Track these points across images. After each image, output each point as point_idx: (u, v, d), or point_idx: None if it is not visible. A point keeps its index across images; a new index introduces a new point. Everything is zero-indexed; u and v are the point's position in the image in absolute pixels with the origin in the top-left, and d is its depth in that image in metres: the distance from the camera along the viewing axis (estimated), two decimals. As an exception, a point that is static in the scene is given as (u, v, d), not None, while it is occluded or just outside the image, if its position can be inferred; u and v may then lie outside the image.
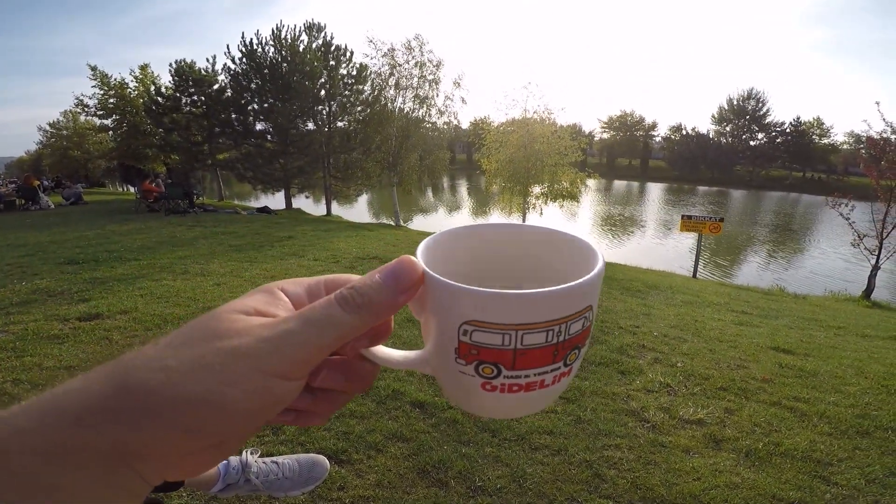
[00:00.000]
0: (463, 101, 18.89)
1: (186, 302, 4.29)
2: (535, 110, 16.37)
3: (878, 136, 11.62)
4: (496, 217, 21.90)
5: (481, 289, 0.28)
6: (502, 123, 17.30)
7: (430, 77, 18.39)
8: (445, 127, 19.90)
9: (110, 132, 26.91)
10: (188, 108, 23.01)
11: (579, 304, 0.29)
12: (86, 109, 25.47)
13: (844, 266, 17.54)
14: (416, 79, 18.34)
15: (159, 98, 22.98)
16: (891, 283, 15.02)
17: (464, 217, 29.31)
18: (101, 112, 25.11)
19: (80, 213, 13.68)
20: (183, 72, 22.46)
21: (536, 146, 15.70)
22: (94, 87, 24.58)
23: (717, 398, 3.01)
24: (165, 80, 24.40)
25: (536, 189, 16.67)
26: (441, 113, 19.09)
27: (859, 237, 11.26)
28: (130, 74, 25.39)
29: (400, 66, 18.26)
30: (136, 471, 0.25)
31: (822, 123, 70.72)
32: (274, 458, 1.78)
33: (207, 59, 23.34)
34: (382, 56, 18.31)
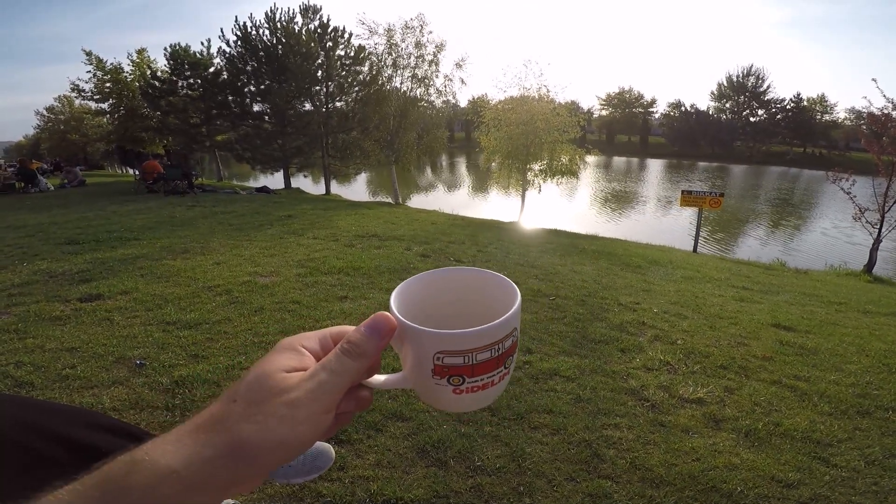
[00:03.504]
0: (463, 81, 18.67)
1: (187, 281, 4.28)
2: (535, 88, 16.18)
3: (880, 112, 11.56)
4: (495, 195, 21.83)
5: (448, 331, 0.42)
6: (501, 101, 17.11)
7: (430, 58, 18.13)
8: (444, 106, 19.68)
9: (107, 116, 26.68)
10: (184, 92, 22.88)
11: (508, 329, 0.43)
12: (81, 94, 25.21)
13: (845, 240, 17.51)
14: (413, 58, 18.05)
15: (155, 82, 22.77)
16: (892, 259, 15.01)
17: (463, 195, 29.12)
18: (98, 96, 24.86)
19: (79, 194, 13.61)
20: (178, 55, 22.33)
21: (535, 123, 15.54)
22: (89, 71, 24.26)
23: (717, 376, 3.01)
24: (161, 64, 24.23)
25: (535, 166, 16.57)
26: (440, 93, 18.88)
27: (861, 211, 11.31)
28: (127, 58, 25.17)
29: (398, 45, 17.95)
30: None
31: (826, 100, 70.60)
32: None
33: (202, 43, 23.31)
34: (379, 36, 17.99)
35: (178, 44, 22.68)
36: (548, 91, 16.25)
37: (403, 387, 0.47)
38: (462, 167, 47.57)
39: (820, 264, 12.39)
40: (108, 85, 24.60)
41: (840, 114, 69.07)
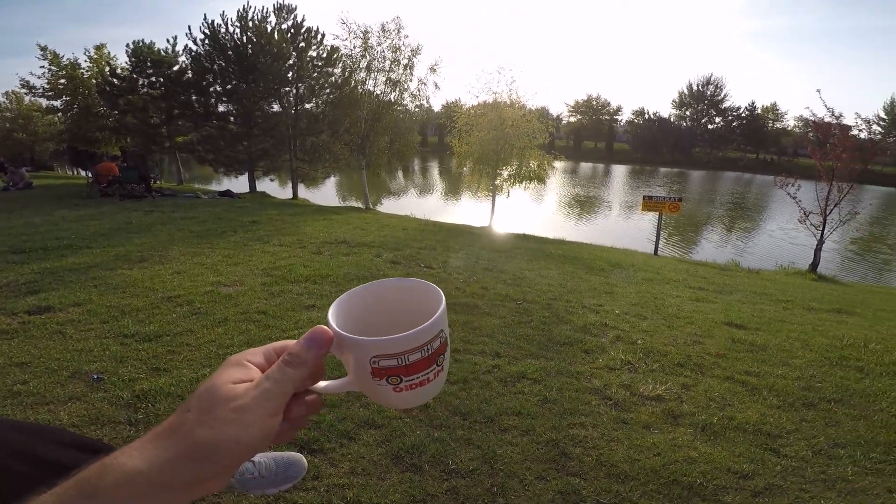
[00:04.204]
0: (437, 86, 18.70)
1: (145, 292, 4.12)
2: (506, 94, 16.47)
3: (820, 120, 12.39)
4: (467, 200, 21.96)
5: (380, 338, 0.46)
6: (474, 106, 17.33)
7: (405, 61, 18.13)
8: (417, 110, 19.70)
9: (59, 114, 25.44)
10: (145, 90, 22.03)
11: (434, 331, 0.48)
12: (32, 90, 23.95)
13: (790, 241, 18.46)
14: (388, 62, 18.02)
15: (114, 79, 21.88)
16: (834, 259, 15.93)
17: (435, 199, 29.15)
18: (51, 93, 23.65)
19: (25, 198, 12.90)
20: (140, 52, 21.53)
21: (506, 129, 15.80)
22: (42, 67, 23.08)
23: (674, 374, 3.15)
24: (122, 60, 23.30)
25: (505, 171, 16.83)
26: (414, 97, 18.89)
27: (805, 214, 12.03)
28: (84, 54, 24.03)
29: (373, 48, 17.88)
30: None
31: (777, 109, 74.83)
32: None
33: (168, 40, 22.46)
34: (356, 38, 17.87)
35: (142, 40, 21.89)
36: (518, 97, 16.58)
37: (350, 390, 0.51)
38: (434, 171, 47.63)
39: (771, 264, 13.07)
40: (62, 81, 23.48)
41: (790, 122, 73.45)
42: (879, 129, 62.31)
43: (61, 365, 2.76)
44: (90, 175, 15.19)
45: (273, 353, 0.49)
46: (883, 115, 66.05)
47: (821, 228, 11.97)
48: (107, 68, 22.87)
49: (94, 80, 23.18)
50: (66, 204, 10.97)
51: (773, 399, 2.90)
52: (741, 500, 2.01)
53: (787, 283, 8.39)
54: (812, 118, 13.19)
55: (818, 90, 12.68)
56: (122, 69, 22.64)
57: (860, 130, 14.16)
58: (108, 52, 24.59)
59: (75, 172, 31.66)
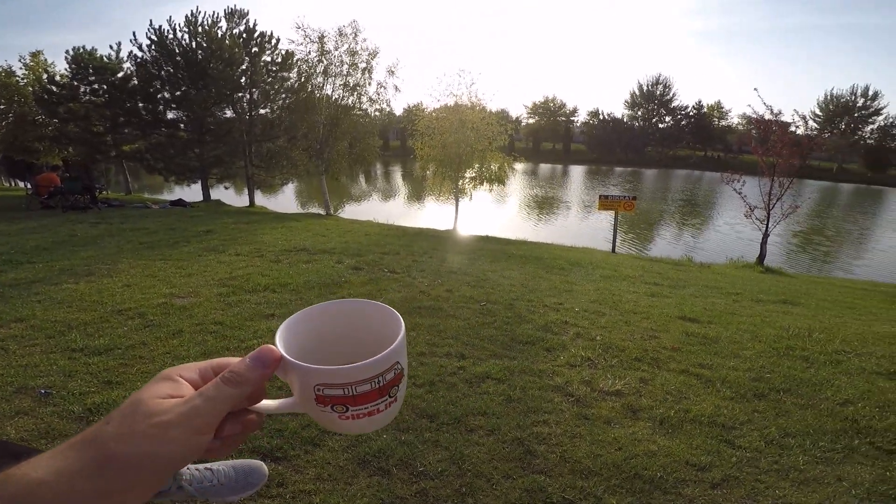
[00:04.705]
0: (396, 88, 18.58)
1: (93, 306, 3.95)
2: (466, 96, 16.61)
3: (760, 118, 13.05)
4: (431, 203, 21.96)
5: (324, 367, 0.44)
6: (435, 110, 17.39)
7: (363, 65, 17.96)
8: (378, 114, 19.55)
9: None
10: (87, 98, 21.01)
11: (389, 363, 0.45)
12: None
13: (737, 236, 19.40)
14: (346, 66, 17.80)
15: (53, 87, 20.79)
16: (780, 252, 16.83)
17: (399, 204, 29.01)
18: None
19: (-43, 213, 12.06)
20: (81, 59, 20.50)
21: (467, 132, 15.93)
22: None
23: (632, 369, 3.24)
24: (61, 67, 22.15)
25: (468, 174, 16.96)
26: (373, 101, 18.71)
27: (750, 209, 12.64)
28: (20, 61, 22.90)
29: (330, 53, 17.63)
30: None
31: (722, 106, 78.29)
32: (208, 465, 1.72)
33: (111, 47, 21.40)
34: (312, 43, 17.58)
35: (83, 47, 20.92)
36: (479, 99, 16.74)
37: (294, 411, 0.49)
38: (398, 176, 47.43)
39: (722, 258, 13.67)
40: None
41: (734, 119, 76.72)
42: (815, 125, 66.51)
43: (5, 381, 2.66)
44: (29, 186, 14.34)
45: (210, 370, 0.47)
46: (818, 111, 70.30)
47: (765, 222, 12.59)
48: (44, 76, 21.72)
49: (30, 88, 22.03)
50: (3, 217, 10.31)
51: (726, 391, 3.01)
52: (700, 493, 2.07)
53: (737, 276, 8.79)
54: (753, 116, 13.88)
55: (755, 88, 13.40)
56: (61, 76, 21.59)
57: (797, 127, 15.01)
58: (46, 59, 23.54)
59: (12, 184, 29.77)
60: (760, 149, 12.73)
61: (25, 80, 22.69)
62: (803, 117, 15.74)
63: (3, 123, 23.02)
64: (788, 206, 12.55)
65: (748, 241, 17.23)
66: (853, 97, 68.42)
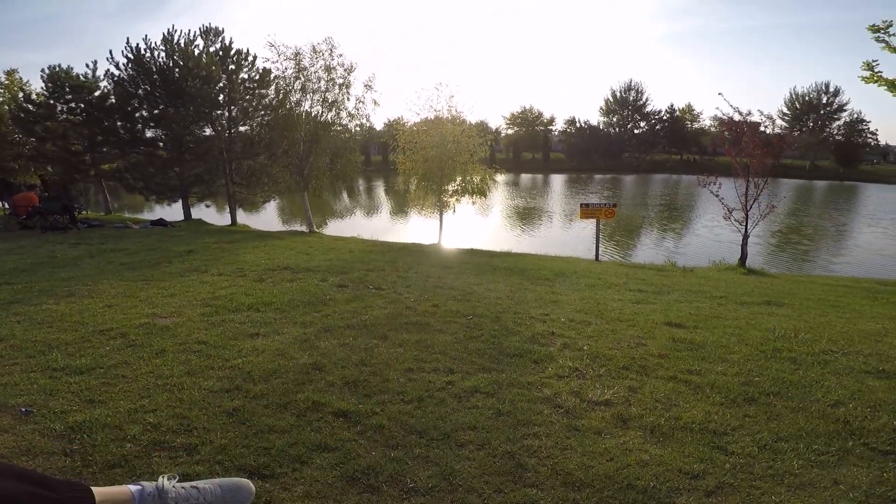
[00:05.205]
0: (375, 103, 18.64)
1: (73, 326, 3.89)
2: (446, 110, 16.74)
3: (730, 119, 13.34)
4: (415, 218, 21.96)
5: None
6: (416, 124, 17.49)
7: (340, 81, 18.00)
8: (358, 129, 19.58)
9: None
10: (64, 116, 20.82)
11: None
12: None
13: (714, 238, 19.74)
14: (323, 82, 17.82)
15: (29, 105, 20.58)
16: (761, 252, 17.14)
17: (383, 219, 28.98)
18: None
19: (-72, 237, 11.74)
20: (57, 78, 20.46)
21: (448, 145, 16.04)
22: None
23: (620, 377, 3.25)
24: (37, 86, 22.07)
25: (450, 187, 17.03)
26: (352, 116, 18.74)
27: (729, 211, 12.80)
28: None
29: (306, 69, 17.66)
30: None
31: (693, 109, 79.96)
32: (194, 483, 1.69)
33: (87, 65, 21.35)
34: (287, 60, 17.60)
35: (59, 65, 20.80)
36: (458, 112, 16.89)
37: None
38: (380, 191, 47.44)
39: (704, 261, 13.84)
40: None
41: (706, 121, 77.91)
42: (784, 123, 67.86)
43: None
44: (7, 206, 14.05)
45: None
46: (786, 110, 71.88)
47: (744, 224, 12.75)
48: (20, 94, 21.46)
49: (6, 107, 21.80)
50: (-23, 240, 10.09)
51: (716, 396, 3.00)
52: (695, 501, 2.05)
53: (720, 279, 8.92)
54: (723, 117, 14.16)
55: (720, 93, 13.85)
56: (37, 95, 21.43)
57: (766, 126, 15.36)
58: (21, 78, 23.32)
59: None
60: (733, 150, 12.92)
61: (1, 99, 22.47)
62: (769, 117, 16.19)
63: None
64: (766, 206, 12.73)
65: (728, 243, 17.53)
66: (817, 94, 70.31)
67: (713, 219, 22.27)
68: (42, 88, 21.01)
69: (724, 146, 13.97)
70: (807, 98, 70.34)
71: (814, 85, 71.03)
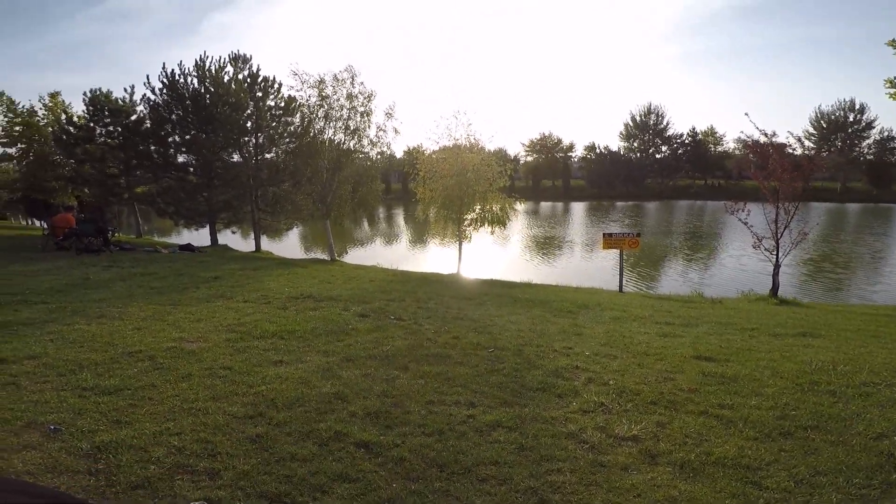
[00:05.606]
0: (396, 131, 18.96)
1: (104, 347, 4.02)
2: (464, 138, 16.92)
3: (755, 142, 12.81)
4: (434, 246, 22.11)
5: None
6: (435, 152, 17.68)
7: (362, 109, 18.41)
8: (379, 157, 19.91)
9: (13, 162, 24.85)
10: (103, 139, 21.65)
11: None
12: None
13: (741, 268, 19.17)
14: (345, 110, 18.27)
15: (70, 128, 21.48)
16: (793, 283, 16.56)
17: (402, 247, 29.17)
18: (5, 140, 23.20)
19: (-26, 254, 12.31)
20: (98, 101, 21.29)
21: (467, 174, 16.15)
22: None
23: (648, 412, 3.17)
24: (78, 108, 23.05)
25: (469, 216, 17.06)
26: (373, 144, 19.08)
27: (758, 239, 12.19)
28: (39, 101, 23.77)
29: (329, 97, 18.16)
30: None
31: (715, 132, 76.83)
32: None
33: (125, 89, 22.17)
34: (310, 88, 18.14)
35: (99, 89, 21.70)
36: (477, 140, 17.05)
37: None
38: (400, 219, 47.92)
39: (732, 292, 13.39)
40: (17, 129, 23.04)
41: (729, 144, 74.46)
42: (811, 144, 64.78)
43: (15, 415, 2.70)
44: (46, 226, 14.61)
45: None
46: (812, 129, 68.55)
47: (775, 252, 12.18)
48: (63, 116, 22.50)
49: (50, 129, 22.79)
50: (20, 258, 10.59)
51: (749, 431, 2.92)
52: (727, 539, 1.98)
53: (751, 310, 8.67)
54: (748, 140, 13.56)
55: (746, 113, 13.29)
56: (78, 117, 22.30)
57: (794, 149, 14.78)
58: (63, 101, 24.40)
59: (30, 223, 30.31)
60: (760, 174, 12.44)
61: (45, 121, 23.47)
62: (798, 139, 15.56)
63: (24, 163, 23.76)
64: (797, 233, 12.15)
65: (756, 272, 17.03)
66: (843, 113, 67.18)
67: (740, 247, 21.71)
68: (83, 111, 21.90)
69: (750, 170, 13.48)
70: (833, 116, 67.25)
71: (839, 102, 67.88)
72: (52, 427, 2.58)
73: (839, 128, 67.84)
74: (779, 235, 11.98)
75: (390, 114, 18.65)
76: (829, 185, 63.15)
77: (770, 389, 3.59)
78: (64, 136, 21.36)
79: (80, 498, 1.92)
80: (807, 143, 65.72)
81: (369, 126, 18.64)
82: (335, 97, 18.15)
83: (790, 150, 13.42)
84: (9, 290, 6.42)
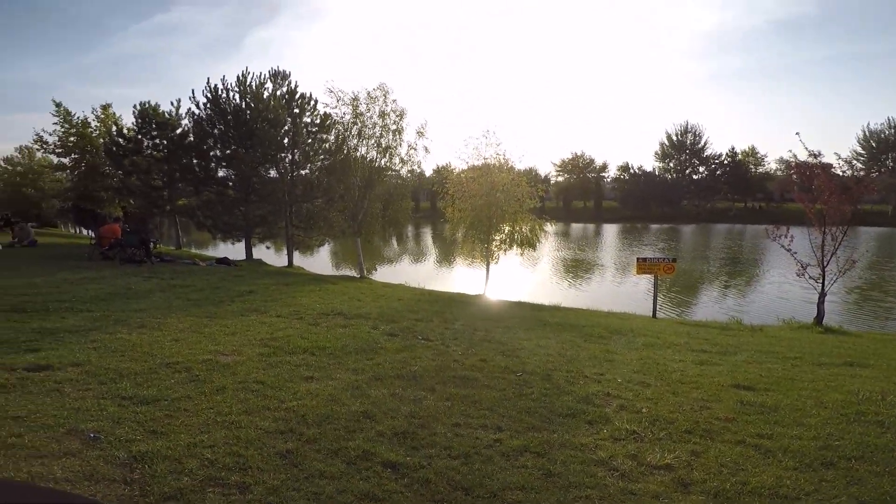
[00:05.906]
0: (426, 150, 19.14)
1: (143, 357, 4.16)
2: (494, 157, 16.88)
3: (800, 162, 12.00)
4: (462, 266, 22.06)
5: None
6: (463, 171, 17.71)
7: (393, 126, 18.69)
8: (409, 175, 20.13)
9: (67, 171, 26.02)
10: (149, 152, 22.48)
11: None
12: (45, 146, 24.68)
13: (781, 296, 18.32)
14: (378, 128, 18.60)
15: (121, 139, 22.45)
16: (840, 311, 15.73)
17: (429, 266, 29.28)
18: (61, 150, 24.33)
19: (28, 256, 13.10)
20: (147, 114, 22.10)
21: (497, 194, 16.10)
22: (56, 123, 23.83)
23: (682, 441, 3.07)
24: (128, 120, 23.88)
25: (498, 237, 16.94)
26: (404, 162, 19.32)
27: (802, 267, 11.36)
28: (92, 113, 24.90)
29: (363, 115, 18.54)
30: None
31: (756, 152, 73.26)
32: None
33: (172, 103, 22.90)
34: (345, 105, 18.58)
35: (148, 102, 22.51)
36: (507, 160, 16.99)
37: None
38: (428, 238, 48.25)
39: (772, 319, 12.76)
40: (72, 139, 24.12)
41: (771, 164, 71.20)
42: (860, 165, 60.61)
43: (57, 421, 2.78)
44: (93, 236, 15.34)
45: None
46: (860, 149, 64.60)
47: (821, 280, 11.50)
48: (114, 128, 23.45)
49: (101, 140, 23.74)
50: (67, 265, 11.12)
51: (789, 461, 2.82)
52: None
53: (794, 339, 8.32)
54: (792, 160, 12.75)
55: (797, 133, 12.43)
56: (128, 129, 23.11)
57: (843, 171, 13.68)
58: (114, 112, 25.40)
59: (78, 231, 31.74)
60: (805, 196, 11.75)
61: (97, 132, 24.52)
62: (847, 160, 14.47)
63: (77, 173, 24.94)
64: (845, 261, 11.44)
65: (798, 300, 16.29)
66: (893, 131, 63.41)
67: (782, 274, 20.84)
68: (132, 123, 22.71)
69: (794, 192, 12.72)
70: (883, 135, 63.43)
71: (889, 121, 64.10)
72: (92, 435, 2.67)
73: (890, 147, 64.30)
74: (825, 263, 11.30)
75: (421, 132, 18.88)
76: (879, 208, 59.62)
77: (813, 420, 3.45)
78: (114, 148, 22.24)
79: (88, 498, 1.95)
80: (855, 163, 62.62)
81: (401, 144, 18.91)
82: (368, 115, 18.49)
83: (837, 171, 12.53)
84: (58, 297, 6.74)
